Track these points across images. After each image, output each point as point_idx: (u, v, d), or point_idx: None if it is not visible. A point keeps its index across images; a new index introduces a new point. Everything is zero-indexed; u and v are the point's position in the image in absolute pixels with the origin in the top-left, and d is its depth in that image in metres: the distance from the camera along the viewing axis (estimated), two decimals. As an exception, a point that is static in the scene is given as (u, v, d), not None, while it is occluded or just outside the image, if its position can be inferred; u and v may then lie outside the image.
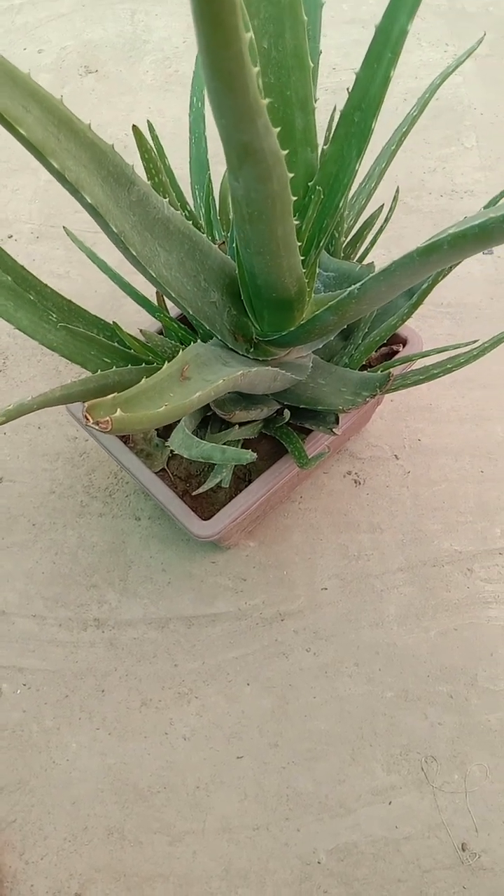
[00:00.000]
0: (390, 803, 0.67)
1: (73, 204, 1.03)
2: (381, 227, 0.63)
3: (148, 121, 0.62)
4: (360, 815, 0.67)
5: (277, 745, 0.70)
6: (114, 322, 0.60)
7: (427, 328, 0.91)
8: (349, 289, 0.48)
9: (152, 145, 0.59)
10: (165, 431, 0.77)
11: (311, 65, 0.48)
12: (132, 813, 0.68)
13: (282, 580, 0.77)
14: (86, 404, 0.30)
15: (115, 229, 0.45)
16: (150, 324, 0.78)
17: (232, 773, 0.70)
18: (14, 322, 0.58)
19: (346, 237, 0.69)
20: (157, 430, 0.75)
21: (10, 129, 0.38)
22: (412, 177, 1.02)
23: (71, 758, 0.71)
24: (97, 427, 0.30)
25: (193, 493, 0.65)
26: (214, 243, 0.70)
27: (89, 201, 0.42)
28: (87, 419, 0.30)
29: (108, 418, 0.30)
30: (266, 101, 0.47)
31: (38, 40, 1.29)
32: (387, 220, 0.64)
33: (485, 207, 0.55)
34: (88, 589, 0.79)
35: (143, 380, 0.35)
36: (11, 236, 1.04)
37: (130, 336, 0.61)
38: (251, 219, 0.39)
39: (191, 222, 0.67)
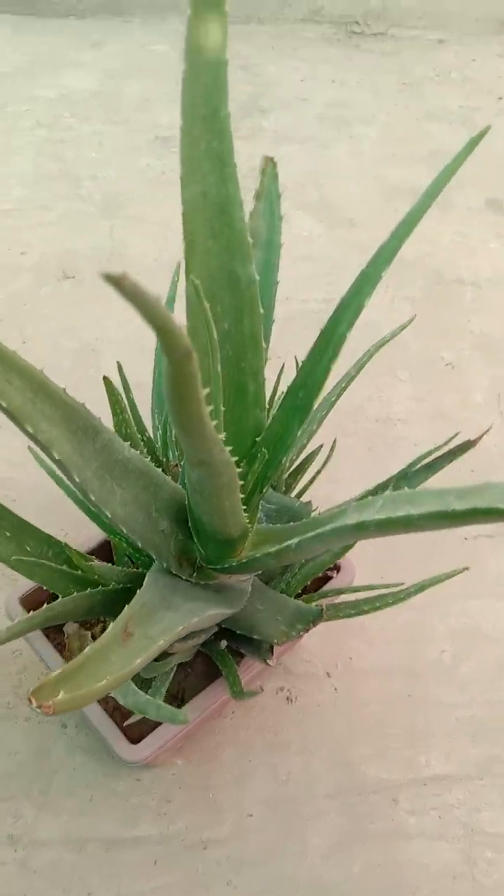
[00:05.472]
0: None
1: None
2: (319, 470, 0.70)
3: (118, 362, 0.68)
4: None
5: None
6: (65, 543, 0.63)
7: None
8: (287, 542, 0.52)
9: (121, 390, 0.65)
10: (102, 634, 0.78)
11: (265, 346, 0.55)
12: None
13: (208, 803, 0.76)
14: (32, 689, 0.32)
15: (77, 479, 0.49)
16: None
17: None
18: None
19: (287, 470, 0.75)
20: (92, 637, 0.76)
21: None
22: (352, 402, 1.12)
23: None
24: (40, 710, 0.32)
25: (125, 724, 0.65)
26: (170, 463, 0.76)
27: (57, 457, 0.47)
28: (31, 702, 0.32)
29: (50, 702, 0.32)
30: (222, 372, 0.53)
31: (21, 243, 1.41)
32: (324, 463, 0.70)
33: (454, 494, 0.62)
34: (5, 801, 0.75)
35: (89, 647, 0.37)
36: (-27, 424, 1.08)
37: (79, 556, 0.64)
38: (202, 494, 0.44)
39: (147, 449, 0.72)
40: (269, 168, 0.65)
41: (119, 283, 0.19)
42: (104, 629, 0.77)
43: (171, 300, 0.76)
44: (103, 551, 0.79)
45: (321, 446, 0.74)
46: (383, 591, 0.66)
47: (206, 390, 0.27)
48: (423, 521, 0.39)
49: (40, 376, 0.46)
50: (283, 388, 0.66)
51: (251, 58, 1.96)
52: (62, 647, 0.75)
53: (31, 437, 0.45)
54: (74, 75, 1.83)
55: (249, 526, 0.58)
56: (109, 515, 0.52)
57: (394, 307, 1.32)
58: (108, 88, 1.79)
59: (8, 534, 0.61)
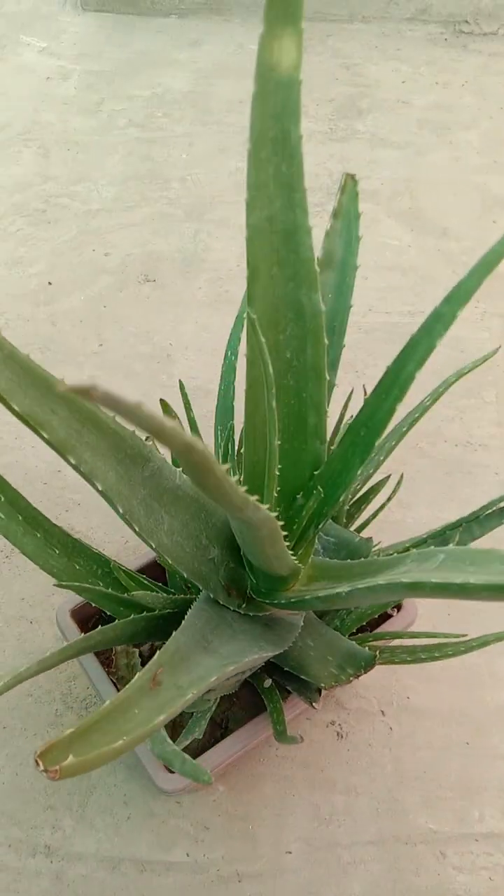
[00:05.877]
0: None
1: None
2: (383, 504, 0.66)
3: (180, 381, 0.67)
4: None
5: None
6: (114, 563, 0.62)
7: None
8: (338, 590, 0.49)
9: (183, 402, 0.64)
10: (150, 653, 0.77)
11: (328, 378, 0.52)
12: None
13: (246, 835, 0.74)
14: (39, 749, 0.30)
15: (121, 510, 0.47)
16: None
17: None
18: (20, 547, 0.60)
19: (350, 501, 0.72)
20: (140, 655, 0.75)
21: (35, 431, 0.41)
22: (430, 422, 1.07)
23: None
24: (46, 775, 0.30)
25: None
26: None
27: (101, 488, 0.45)
28: (38, 764, 0.30)
29: (57, 767, 0.30)
30: (278, 406, 0.50)
31: (106, 244, 1.42)
32: (389, 498, 0.66)
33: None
34: (45, 810, 0.76)
35: (109, 701, 0.35)
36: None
37: (126, 576, 0.63)
38: (245, 542, 0.41)
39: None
40: (349, 185, 0.61)
41: (91, 396, 0.17)
42: (152, 647, 0.76)
43: (242, 317, 0.73)
44: (157, 567, 0.77)
45: (389, 476, 0.71)
46: (443, 640, 0.62)
47: (226, 465, 0.24)
48: (483, 593, 0.36)
49: (88, 406, 0.44)
50: (352, 411, 0.63)
51: (353, 57, 1.92)
52: (110, 662, 0.74)
53: (74, 467, 0.44)
54: (170, 74, 1.83)
55: (300, 565, 0.56)
56: (155, 546, 0.50)
57: (483, 323, 1.26)
58: (201, 88, 1.79)
59: (57, 551, 0.61)
